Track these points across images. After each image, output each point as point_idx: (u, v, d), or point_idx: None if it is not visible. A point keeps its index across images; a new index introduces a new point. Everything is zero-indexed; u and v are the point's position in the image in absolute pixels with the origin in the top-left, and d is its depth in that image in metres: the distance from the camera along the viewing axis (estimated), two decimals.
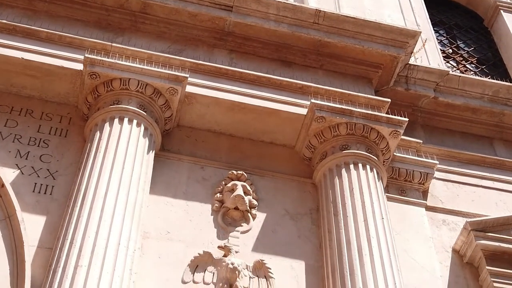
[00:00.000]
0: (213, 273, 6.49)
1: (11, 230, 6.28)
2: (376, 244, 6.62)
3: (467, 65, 10.74)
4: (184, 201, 7.07)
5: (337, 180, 7.23)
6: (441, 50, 10.53)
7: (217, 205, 7.10)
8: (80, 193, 6.36)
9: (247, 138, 7.84)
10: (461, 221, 7.80)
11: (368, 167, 7.35)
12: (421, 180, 7.98)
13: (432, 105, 8.94)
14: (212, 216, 7.02)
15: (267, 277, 6.61)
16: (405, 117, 7.73)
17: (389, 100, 8.02)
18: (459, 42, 11.25)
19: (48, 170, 6.94)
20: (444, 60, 10.31)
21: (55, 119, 7.45)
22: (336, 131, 7.56)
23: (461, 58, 10.87)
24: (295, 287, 6.63)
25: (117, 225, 6.15)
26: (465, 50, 11.09)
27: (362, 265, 6.43)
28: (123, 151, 6.76)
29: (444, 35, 11.32)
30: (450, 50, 10.98)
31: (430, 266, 7.26)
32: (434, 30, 10.87)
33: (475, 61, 10.89)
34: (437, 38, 10.77)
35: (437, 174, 8.21)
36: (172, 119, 7.55)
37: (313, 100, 7.59)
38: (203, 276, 6.46)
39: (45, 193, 6.73)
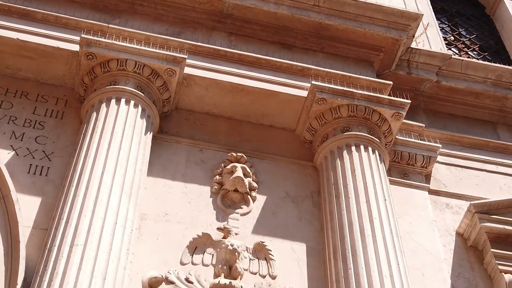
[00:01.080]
0: (212, 254, 6.35)
1: (6, 211, 6.15)
2: (379, 225, 6.48)
3: (469, 52, 10.60)
4: (182, 183, 6.93)
5: (339, 162, 7.09)
6: (443, 37, 10.40)
7: (216, 187, 6.95)
8: (76, 173, 6.23)
9: (247, 121, 7.70)
10: (464, 205, 7.67)
11: (370, 149, 7.21)
12: (423, 164, 7.84)
13: (435, 89, 8.82)
14: (211, 198, 6.88)
15: (267, 259, 6.47)
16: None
17: (391, 82, 7.89)
18: (461, 30, 11.12)
19: (43, 151, 6.81)
20: (446, 47, 10.18)
21: (51, 101, 7.33)
22: (337, 113, 7.42)
23: (463, 45, 10.73)
24: (296, 269, 6.50)
25: (114, 204, 6.02)
26: (467, 37, 10.96)
27: (365, 247, 6.29)
28: (120, 131, 6.63)
29: (446, 22, 11.19)
30: (452, 37, 10.85)
31: (433, 249, 7.13)
32: (436, 17, 10.74)
33: (477, 48, 10.76)
34: (438, 26, 10.63)
35: (440, 158, 8.08)
36: (170, 101, 7.42)
37: (314, 82, 7.46)
38: (202, 258, 6.33)
39: (40, 174, 6.60)
